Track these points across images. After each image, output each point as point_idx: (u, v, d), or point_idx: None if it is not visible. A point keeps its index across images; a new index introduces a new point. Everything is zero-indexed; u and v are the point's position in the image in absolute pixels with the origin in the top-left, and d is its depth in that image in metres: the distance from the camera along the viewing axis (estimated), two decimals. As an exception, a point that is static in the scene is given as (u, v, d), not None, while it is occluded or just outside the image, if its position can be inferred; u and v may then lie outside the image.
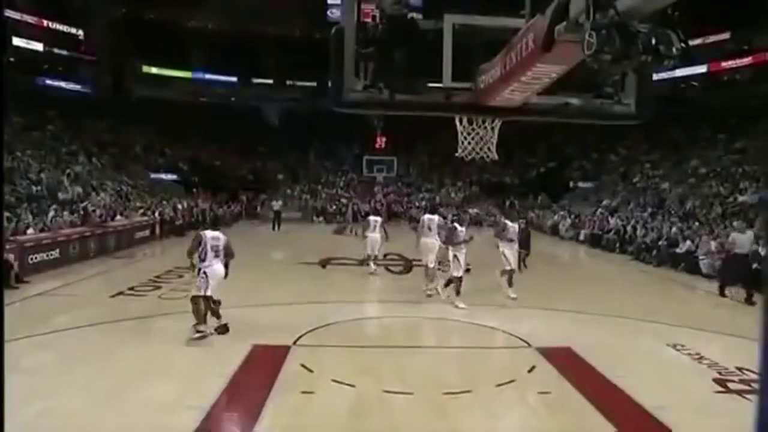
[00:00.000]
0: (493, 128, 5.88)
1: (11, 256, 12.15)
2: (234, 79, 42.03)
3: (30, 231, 15.23)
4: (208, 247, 7.93)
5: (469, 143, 5.87)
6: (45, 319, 8.83)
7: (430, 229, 11.18)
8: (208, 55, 40.57)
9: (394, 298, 10.68)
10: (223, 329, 8.04)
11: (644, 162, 33.85)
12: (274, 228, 27.19)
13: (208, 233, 8.10)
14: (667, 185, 28.36)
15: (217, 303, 8.09)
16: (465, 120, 5.89)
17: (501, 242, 10.98)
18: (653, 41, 3.34)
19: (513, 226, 11.26)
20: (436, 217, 11.51)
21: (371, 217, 14.48)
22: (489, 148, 5.92)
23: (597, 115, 5.65)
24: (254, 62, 40.79)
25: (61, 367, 6.70)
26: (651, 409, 5.66)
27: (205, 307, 7.89)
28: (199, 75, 41.74)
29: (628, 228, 21.50)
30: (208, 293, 7.85)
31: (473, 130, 5.87)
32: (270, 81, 42.72)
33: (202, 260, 7.89)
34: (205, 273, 7.84)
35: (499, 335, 8.44)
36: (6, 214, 16.70)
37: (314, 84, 40.12)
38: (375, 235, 13.89)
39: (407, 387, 6.21)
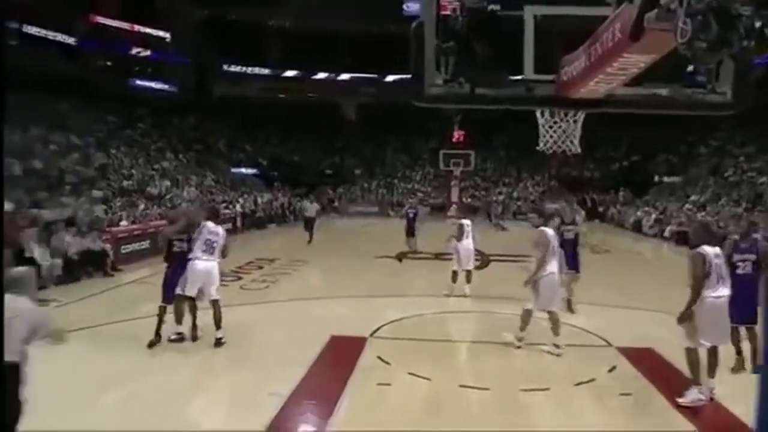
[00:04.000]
0: (575, 121, 5.73)
1: (107, 246, 13.06)
2: (312, 75, 42.85)
3: (123, 223, 16.23)
4: (203, 238, 7.25)
5: (551, 136, 5.75)
6: (138, 305, 9.34)
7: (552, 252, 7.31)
8: (287, 52, 41.53)
9: (472, 293, 10.58)
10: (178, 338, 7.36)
11: (738, 154, 31.84)
12: (310, 239, 19.45)
13: (210, 224, 7.41)
14: (764, 179, 26.58)
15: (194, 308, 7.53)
16: (547, 112, 5.77)
17: None
18: (757, 24, 3.11)
19: None
20: (550, 232, 7.48)
21: (464, 221, 11.04)
22: (572, 141, 5.77)
23: (688, 105, 5.38)
24: (332, 58, 41.38)
25: (150, 352, 7.10)
26: (741, 415, 5.34)
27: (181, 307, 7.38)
28: (278, 72, 42.79)
29: (720, 225, 20.32)
30: (187, 293, 7.30)
31: (555, 122, 5.74)
32: (347, 76, 43.28)
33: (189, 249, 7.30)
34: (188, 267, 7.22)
35: (579, 333, 8.19)
36: (102, 206, 17.88)
37: (391, 78, 40.37)
38: (469, 244, 10.72)
39: (483, 382, 6.17)
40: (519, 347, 7.34)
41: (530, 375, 6.52)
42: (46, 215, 14.35)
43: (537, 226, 7.52)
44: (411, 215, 17.40)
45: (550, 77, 5.20)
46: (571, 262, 8.95)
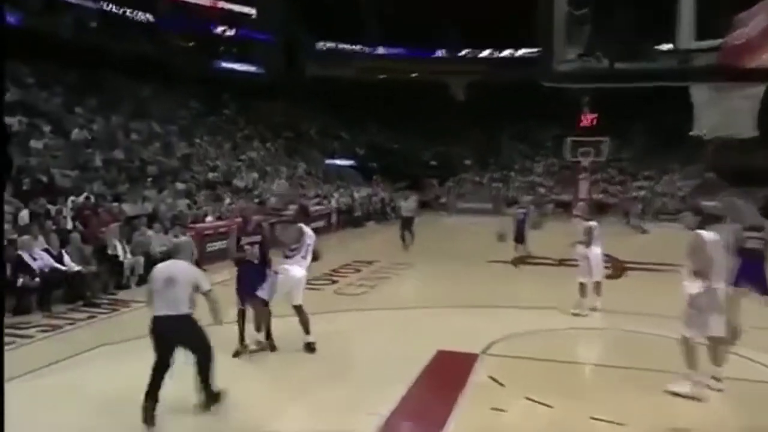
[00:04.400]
0: (750, 97, 5.32)
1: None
2: (415, 52, 43.04)
3: (208, 218, 17.09)
4: (305, 245, 7.89)
5: (713, 118, 5.41)
6: (223, 309, 9.78)
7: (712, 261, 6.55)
8: (386, 27, 41.93)
9: (603, 306, 10.24)
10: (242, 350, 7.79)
11: None
12: (403, 240, 18.67)
13: (308, 231, 8.06)
14: None
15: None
16: (708, 89, 5.43)
17: None
18: None
19: None
20: (709, 235, 6.55)
21: (592, 223, 10.52)
22: (745, 123, 5.37)
23: None
24: (437, 32, 41.39)
25: (236, 361, 7.50)
26: None
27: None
28: (377, 50, 43.35)
29: None
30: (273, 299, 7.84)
31: (718, 101, 5.40)
32: (456, 52, 43.10)
33: (286, 257, 7.86)
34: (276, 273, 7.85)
35: (744, 364, 7.61)
36: (186, 200, 18.96)
37: (506, 54, 39.77)
38: (598, 250, 10.38)
39: (619, 415, 5.93)
40: (700, 400, 6.35)
41: (680, 412, 6.19)
42: (127, 210, 15.41)
43: (692, 228, 6.75)
44: (521, 217, 16.71)
45: (714, 43, 4.90)
46: (754, 278, 7.89)
